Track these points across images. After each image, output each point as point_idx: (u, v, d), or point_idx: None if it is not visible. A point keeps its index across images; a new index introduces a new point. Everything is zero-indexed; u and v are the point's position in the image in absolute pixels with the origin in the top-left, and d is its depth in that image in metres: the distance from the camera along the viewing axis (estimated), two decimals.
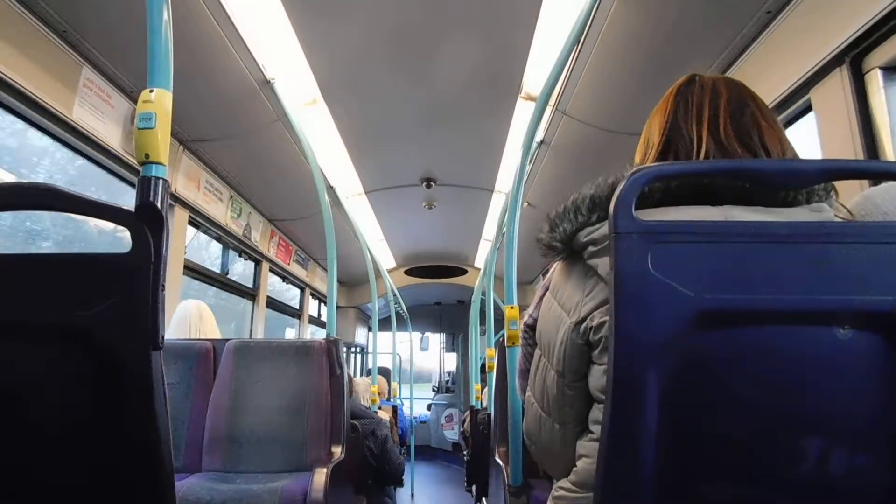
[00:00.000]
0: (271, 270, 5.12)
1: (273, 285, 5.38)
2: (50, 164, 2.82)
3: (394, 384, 6.84)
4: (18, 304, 0.92)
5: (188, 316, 2.81)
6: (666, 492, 0.70)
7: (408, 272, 7.54)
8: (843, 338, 0.69)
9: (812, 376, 0.70)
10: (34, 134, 2.41)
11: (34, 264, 0.95)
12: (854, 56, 1.76)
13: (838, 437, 0.70)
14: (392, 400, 6.31)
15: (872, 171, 0.86)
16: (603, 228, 0.81)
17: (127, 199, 3.01)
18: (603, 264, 0.81)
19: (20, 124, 2.31)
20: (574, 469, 0.88)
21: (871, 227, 0.72)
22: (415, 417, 8.55)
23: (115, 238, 3.30)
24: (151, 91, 1.04)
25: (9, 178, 2.46)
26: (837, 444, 0.69)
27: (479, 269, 6.19)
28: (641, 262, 0.69)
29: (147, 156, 1.01)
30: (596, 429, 0.85)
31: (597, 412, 0.86)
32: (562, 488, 0.90)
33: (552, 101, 3.03)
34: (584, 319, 0.84)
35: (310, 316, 6.50)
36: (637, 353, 0.69)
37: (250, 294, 4.82)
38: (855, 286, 0.69)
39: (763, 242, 0.70)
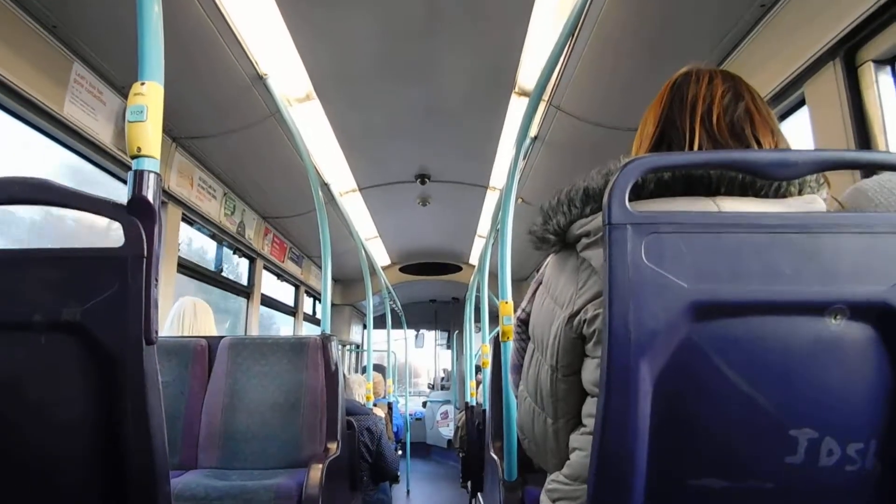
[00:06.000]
0: (265, 268, 5.11)
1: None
2: None
3: (388, 381, 6.85)
4: (11, 299, 0.91)
5: (182, 312, 2.80)
6: (659, 484, 0.70)
7: (402, 269, 7.53)
8: (835, 328, 0.69)
9: (805, 367, 0.70)
10: None
11: (26, 259, 0.95)
12: (847, 49, 1.76)
13: (831, 428, 0.70)
14: (387, 397, 6.31)
15: (865, 162, 0.86)
16: (597, 220, 0.81)
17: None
18: (596, 256, 0.81)
19: None
20: (567, 462, 0.88)
21: (862, 218, 0.72)
22: (410, 414, 8.55)
23: None
24: (143, 84, 1.03)
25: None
26: (830, 434, 0.69)
27: (474, 266, 6.18)
28: (635, 254, 0.69)
29: (139, 149, 1.00)
30: (589, 422, 0.85)
31: (590, 406, 0.86)
32: (555, 481, 0.90)
33: (546, 97, 3.03)
34: (577, 312, 0.84)
35: (304, 313, 6.48)
36: (631, 346, 0.69)
37: (245, 292, 4.81)
38: (847, 276, 0.69)
39: (756, 233, 0.70)
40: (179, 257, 3.53)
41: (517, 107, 3.24)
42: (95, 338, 0.90)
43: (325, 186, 4.18)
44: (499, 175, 4.37)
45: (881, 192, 0.84)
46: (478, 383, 5.42)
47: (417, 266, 7.54)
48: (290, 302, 6.25)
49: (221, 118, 3.17)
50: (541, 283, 0.98)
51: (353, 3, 2.40)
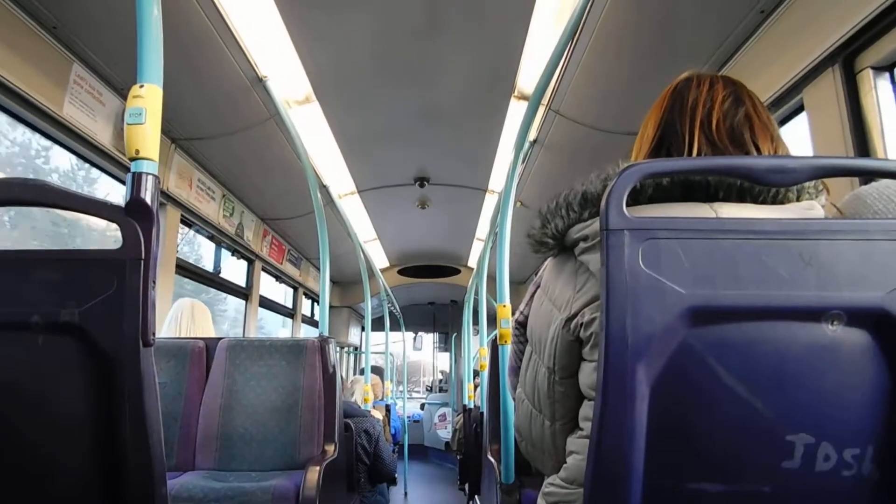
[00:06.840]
0: (264, 270, 5.11)
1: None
2: None
3: (387, 383, 6.84)
4: (9, 299, 0.91)
5: (180, 314, 2.80)
6: (656, 487, 0.70)
7: (401, 272, 7.53)
8: (832, 334, 0.70)
9: (802, 372, 0.70)
10: None
11: (25, 260, 0.95)
12: (846, 56, 1.77)
13: (828, 433, 0.70)
14: (385, 399, 6.31)
15: (863, 168, 0.86)
16: (595, 225, 0.81)
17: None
18: (594, 261, 0.81)
19: None
20: (564, 465, 0.88)
21: (859, 224, 0.72)
22: (408, 416, 8.54)
23: None
24: (142, 86, 1.03)
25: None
26: (826, 440, 0.69)
27: (473, 269, 6.18)
28: (632, 259, 0.69)
29: (137, 151, 1.00)
30: (586, 425, 0.85)
31: (587, 409, 0.86)
32: (552, 485, 0.90)
33: (545, 101, 3.03)
34: (574, 316, 0.84)
35: (303, 315, 6.47)
36: (628, 350, 0.69)
37: (243, 293, 4.81)
38: (844, 282, 0.69)
39: (754, 239, 0.70)
40: (178, 259, 3.53)
41: (516, 110, 3.24)
42: (93, 339, 0.90)
43: (324, 189, 4.18)
44: (498, 178, 4.37)
45: (880, 199, 0.84)
46: (475, 386, 5.41)
47: (416, 268, 7.53)
48: (289, 304, 6.25)
49: (221, 120, 3.17)
50: (539, 286, 0.98)
51: (353, 6, 2.40)
